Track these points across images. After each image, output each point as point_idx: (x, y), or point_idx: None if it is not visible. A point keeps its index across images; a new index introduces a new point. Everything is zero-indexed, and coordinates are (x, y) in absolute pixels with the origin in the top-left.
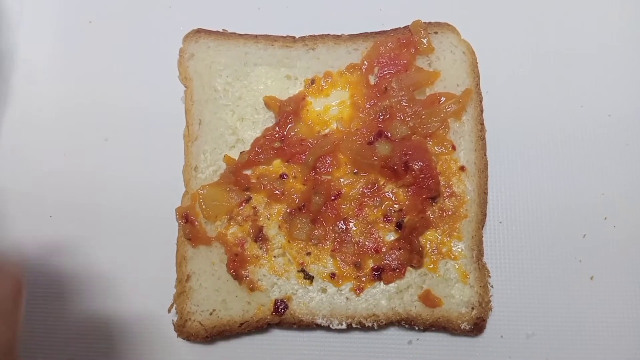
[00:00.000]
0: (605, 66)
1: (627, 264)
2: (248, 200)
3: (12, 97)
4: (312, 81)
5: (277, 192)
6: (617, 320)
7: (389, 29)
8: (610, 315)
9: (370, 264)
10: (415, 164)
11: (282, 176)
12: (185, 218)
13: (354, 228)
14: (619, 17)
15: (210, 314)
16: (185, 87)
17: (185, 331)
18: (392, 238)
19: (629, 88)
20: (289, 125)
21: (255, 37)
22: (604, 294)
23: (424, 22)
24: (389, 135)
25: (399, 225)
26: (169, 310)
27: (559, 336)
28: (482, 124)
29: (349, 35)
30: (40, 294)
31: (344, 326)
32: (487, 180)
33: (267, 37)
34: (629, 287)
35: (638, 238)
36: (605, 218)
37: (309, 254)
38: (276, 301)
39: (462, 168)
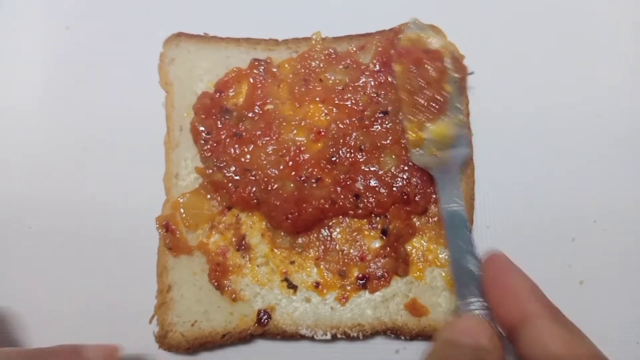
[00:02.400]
0: (594, 66)
1: (617, 268)
2: (230, 208)
3: None
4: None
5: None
6: (607, 324)
7: (374, 31)
8: (600, 319)
9: (355, 272)
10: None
11: None
12: (166, 227)
13: (339, 236)
14: (608, 18)
15: (192, 325)
16: (166, 92)
17: (167, 342)
18: (378, 245)
19: (618, 88)
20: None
21: (237, 40)
22: (593, 298)
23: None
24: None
25: (384, 232)
26: (150, 321)
27: None
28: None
29: (332, 37)
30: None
31: (328, 336)
32: (473, 185)
33: (249, 40)
34: (619, 291)
35: (628, 241)
36: (595, 221)
37: (292, 262)
38: (259, 312)
39: None
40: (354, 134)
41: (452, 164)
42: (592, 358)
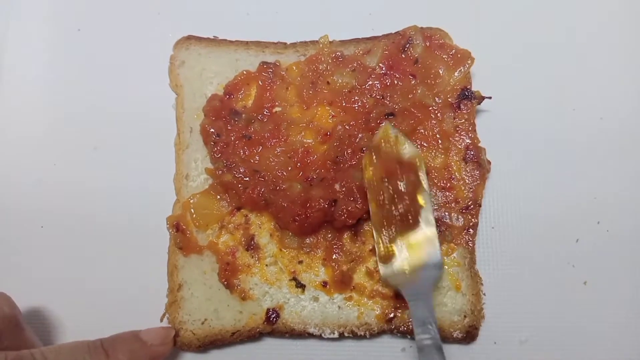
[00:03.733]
0: (598, 69)
1: (620, 269)
2: (239, 208)
3: (0, 106)
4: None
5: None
6: (611, 324)
7: (380, 35)
8: (604, 320)
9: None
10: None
11: None
12: (176, 227)
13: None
14: (611, 20)
15: (202, 323)
16: (176, 94)
17: (179, 341)
18: None
19: (621, 91)
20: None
21: (246, 43)
22: (597, 299)
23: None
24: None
25: None
26: (161, 320)
27: (553, 342)
28: None
29: (339, 41)
30: (31, 305)
31: (336, 335)
32: (483, 188)
33: (258, 44)
34: (623, 291)
35: (631, 242)
36: (599, 222)
37: (300, 262)
38: (268, 310)
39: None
40: (360, 135)
41: (423, 286)
42: None
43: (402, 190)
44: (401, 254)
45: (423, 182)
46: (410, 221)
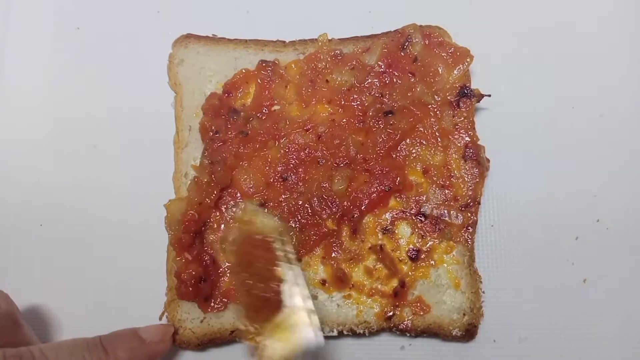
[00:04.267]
0: (597, 66)
1: (619, 266)
2: None
3: None
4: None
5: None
6: (610, 322)
7: (379, 33)
8: (603, 317)
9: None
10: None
11: None
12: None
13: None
14: (610, 18)
15: (201, 321)
16: (175, 92)
17: (178, 339)
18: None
19: (621, 88)
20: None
21: (245, 42)
22: (596, 297)
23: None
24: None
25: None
26: (160, 318)
27: (552, 339)
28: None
29: (339, 39)
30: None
31: (335, 333)
32: (482, 187)
33: (257, 42)
34: (622, 289)
35: (631, 240)
36: (598, 220)
37: (299, 261)
38: None
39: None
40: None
41: None
42: None
43: (263, 272)
44: (272, 345)
45: (288, 255)
46: (277, 303)
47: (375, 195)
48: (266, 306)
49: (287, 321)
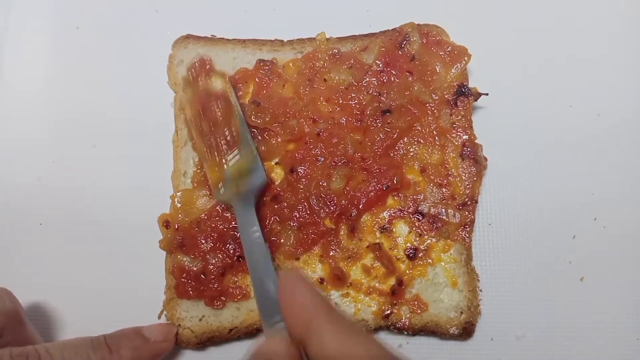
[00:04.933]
0: (594, 66)
1: (617, 265)
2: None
3: None
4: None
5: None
6: (607, 320)
7: (377, 32)
8: (600, 315)
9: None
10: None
11: None
12: (166, 225)
13: (342, 232)
14: (607, 18)
15: (200, 320)
16: (175, 92)
17: (178, 338)
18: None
19: (618, 87)
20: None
21: (244, 41)
22: (593, 295)
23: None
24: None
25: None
26: (159, 317)
27: (549, 337)
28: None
29: (337, 38)
30: (30, 302)
31: None
32: (480, 185)
33: (255, 42)
34: (619, 287)
35: (628, 239)
36: (595, 219)
37: (297, 259)
38: None
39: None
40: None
41: (249, 192)
42: (367, 357)
43: (218, 118)
44: (228, 176)
45: (235, 106)
46: (231, 144)
47: (373, 194)
48: (222, 147)
49: (241, 161)
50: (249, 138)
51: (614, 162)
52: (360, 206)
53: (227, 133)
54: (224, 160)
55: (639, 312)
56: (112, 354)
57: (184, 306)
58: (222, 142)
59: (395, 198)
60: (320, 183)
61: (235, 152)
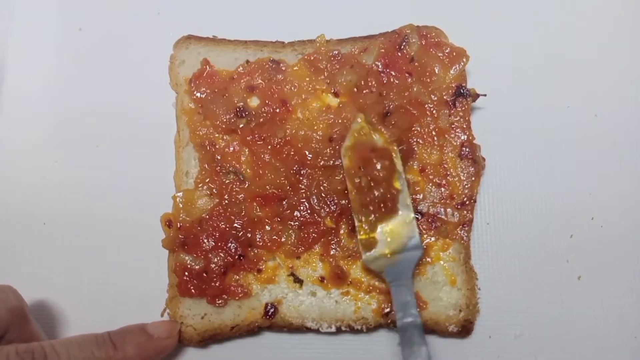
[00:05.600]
0: (592, 66)
1: (614, 264)
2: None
3: (2, 105)
4: None
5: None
6: (605, 319)
7: (376, 33)
8: (598, 314)
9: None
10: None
11: None
12: (169, 224)
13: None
14: (604, 18)
15: (202, 317)
16: (176, 93)
17: (181, 335)
18: None
19: (615, 88)
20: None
21: (245, 42)
22: (591, 294)
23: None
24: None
25: None
26: (162, 315)
27: (547, 336)
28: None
29: (337, 39)
30: (34, 300)
31: (333, 329)
32: (478, 185)
33: (256, 43)
34: (616, 286)
35: (625, 238)
36: (593, 218)
37: (298, 257)
38: (267, 305)
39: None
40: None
41: (404, 268)
42: None
43: (379, 176)
44: (382, 239)
45: (398, 167)
46: (389, 206)
47: None
48: (379, 208)
49: (396, 223)
50: (409, 203)
51: (611, 162)
52: None
53: (386, 194)
54: (379, 223)
55: (637, 310)
56: (117, 351)
57: (187, 304)
58: (379, 202)
59: None
60: (321, 183)
61: (394, 216)
